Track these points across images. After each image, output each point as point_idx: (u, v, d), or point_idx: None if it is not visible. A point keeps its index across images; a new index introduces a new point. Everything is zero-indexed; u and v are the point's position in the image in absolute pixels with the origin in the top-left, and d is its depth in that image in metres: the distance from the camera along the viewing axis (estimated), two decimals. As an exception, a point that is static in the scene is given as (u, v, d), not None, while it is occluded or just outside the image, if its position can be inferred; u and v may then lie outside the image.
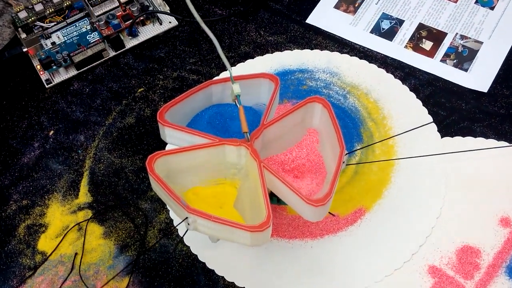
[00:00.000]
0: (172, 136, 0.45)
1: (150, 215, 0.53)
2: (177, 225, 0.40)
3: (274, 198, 0.47)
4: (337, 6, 0.68)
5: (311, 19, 0.67)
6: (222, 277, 0.50)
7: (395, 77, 0.61)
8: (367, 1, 0.68)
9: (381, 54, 0.64)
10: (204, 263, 0.51)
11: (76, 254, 0.51)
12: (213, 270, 0.50)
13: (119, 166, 0.56)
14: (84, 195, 0.55)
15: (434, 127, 0.57)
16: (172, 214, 0.53)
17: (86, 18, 0.65)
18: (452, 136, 0.56)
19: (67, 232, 0.52)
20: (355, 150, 0.53)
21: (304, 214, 0.43)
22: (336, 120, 0.44)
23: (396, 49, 0.64)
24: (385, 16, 0.67)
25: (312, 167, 0.47)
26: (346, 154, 0.44)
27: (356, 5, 0.68)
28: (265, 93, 0.48)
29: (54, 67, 0.62)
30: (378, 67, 0.62)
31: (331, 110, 0.45)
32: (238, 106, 0.44)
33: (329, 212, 0.44)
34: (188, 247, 0.51)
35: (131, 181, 0.55)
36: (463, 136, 0.56)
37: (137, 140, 0.58)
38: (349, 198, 0.53)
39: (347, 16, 0.68)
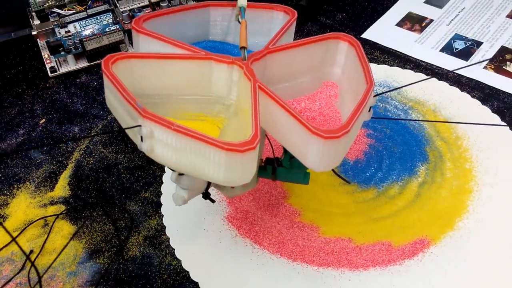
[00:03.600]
0: (148, 49, 0.36)
1: (137, 219, 0.43)
2: (126, 128, 0.30)
3: (268, 167, 0.38)
4: (399, 24, 0.62)
5: (368, 34, 0.61)
6: (219, 304, 0.38)
7: (472, 97, 0.52)
8: (436, 22, 0.62)
9: (454, 73, 0.55)
10: (196, 284, 0.39)
11: (31, 252, 0.41)
12: (208, 294, 0.38)
13: (113, 161, 0.48)
14: (61, 188, 0.46)
15: (526, 151, 0.46)
16: (165, 220, 0.43)
17: (110, 13, 0.61)
18: (551, 163, 0.45)
19: (28, 225, 0.43)
20: (383, 93, 0.41)
21: (308, 155, 0.32)
22: (365, 58, 0.35)
23: (473, 69, 0.56)
24: (458, 37, 0.60)
25: (324, 123, 0.37)
26: (376, 96, 0.34)
27: (423, 25, 0.62)
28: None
29: (62, 53, 0.57)
30: (450, 85, 0.53)
31: (361, 49, 0.36)
32: (241, 20, 0.35)
33: (341, 177, 0.32)
34: (179, 261, 0.40)
35: (123, 179, 0.46)
36: None
37: (141, 137, 0.50)
38: (407, 225, 0.42)
39: (411, 34, 0.61)
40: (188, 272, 0.40)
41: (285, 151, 0.38)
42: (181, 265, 0.40)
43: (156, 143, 0.30)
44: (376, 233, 0.41)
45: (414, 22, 0.63)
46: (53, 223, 0.43)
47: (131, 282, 0.39)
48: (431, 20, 0.63)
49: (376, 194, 0.44)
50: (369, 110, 0.35)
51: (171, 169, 0.32)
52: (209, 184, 0.36)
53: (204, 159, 0.29)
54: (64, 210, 0.44)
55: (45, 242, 0.42)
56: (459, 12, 0.63)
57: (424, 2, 0.65)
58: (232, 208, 0.44)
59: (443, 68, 0.56)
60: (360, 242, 0.41)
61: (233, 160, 0.29)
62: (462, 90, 0.53)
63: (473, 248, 0.40)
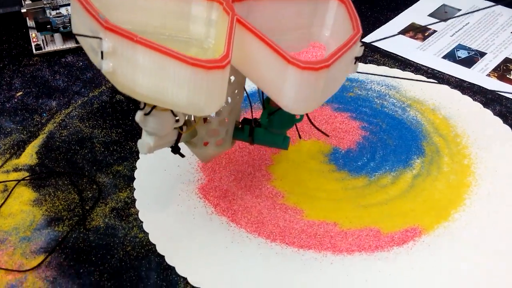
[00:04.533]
0: None
1: (106, 191, 0.40)
2: (80, 35, 0.27)
3: (246, 127, 0.36)
4: (402, 32, 0.62)
5: (369, 39, 0.60)
6: (184, 278, 0.35)
7: (473, 100, 0.51)
8: (439, 32, 0.61)
9: (456, 77, 0.54)
10: (162, 257, 0.36)
11: (-16, 214, 0.38)
12: (174, 267, 0.35)
13: (88, 135, 0.46)
14: (28, 156, 0.43)
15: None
16: (137, 194, 0.40)
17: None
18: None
19: (-15, 188, 0.40)
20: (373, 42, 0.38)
21: (284, 91, 0.29)
22: (355, 13, 0.33)
23: (476, 76, 0.55)
24: (462, 47, 0.59)
25: None
26: (362, 46, 0.32)
27: (426, 34, 0.61)
28: None
29: (49, 31, 0.56)
30: (451, 88, 0.52)
31: (351, 4, 0.34)
32: None
33: (319, 130, 0.30)
34: (146, 234, 0.37)
35: (96, 152, 0.44)
36: None
37: (122, 115, 0.48)
38: (398, 213, 0.39)
39: (414, 41, 0.60)
40: (154, 245, 0.36)
41: (264, 107, 0.36)
42: (148, 238, 0.37)
43: (118, 60, 0.28)
44: (364, 220, 0.38)
45: (417, 32, 0.62)
46: (13, 188, 0.40)
47: (90, 251, 0.36)
48: (435, 31, 0.62)
49: (367, 183, 0.42)
50: (355, 63, 0.33)
51: (135, 99, 0.30)
52: (179, 136, 0.34)
53: (167, 78, 0.27)
54: (26, 177, 0.41)
55: (1, 206, 0.39)
56: (464, 26, 0.63)
57: (428, 15, 0.65)
58: (210, 186, 0.41)
59: (444, 73, 0.55)
60: (346, 227, 0.38)
61: (198, 79, 0.27)
62: (463, 94, 0.52)
63: (468, 240, 0.37)
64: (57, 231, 0.38)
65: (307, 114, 0.36)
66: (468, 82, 0.54)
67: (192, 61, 0.27)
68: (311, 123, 0.37)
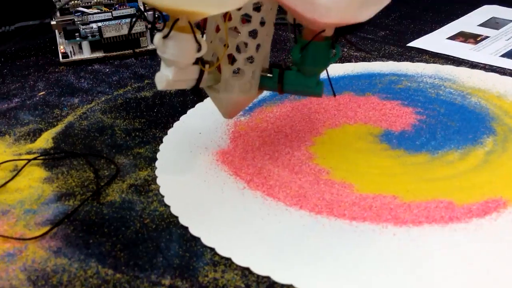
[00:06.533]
0: None
1: (125, 170, 0.35)
2: None
3: (275, 71, 0.32)
4: (452, 38, 0.57)
5: (415, 43, 0.56)
6: (212, 249, 0.28)
7: (544, 89, 0.45)
8: (492, 38, 0.56)
9: (520, 72, 0.49)
10: (186, 229, 0.30)
11: (-13, 188, 0.33)
12: (199, 238, 0.29)
13: (109, 124, 0.42)
14: (43, 141, 0.39)
15: None
16: (158, 172, 0.35)
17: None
18: None
19: (-8, 166, 0.36)
20: None
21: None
22: None
23: (542, 69, 0.49)
24: (521, 47, 0.54)
25: None
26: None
27: (478, 39, 0.57)
28: None
29: (78, 38, 0.54)
30: (515, 79, 0.46)
31: None
32: None
33: (358, 47, 0.29)
34: (168, 207, 0.32)
35: (117, 137, 0.39)
36: None
37: (147, 108, 0.44)
38: (472, 186, 0.32)
39: (466, 44, 0.56)
40: (176, 217, 0.31)
41: (296, 41, 0.31)
42: (169, 211, 0.31)
43: None
44: (430, 192, 0.32)
45: (468, 37, 0.57)
46: (23, 167, 0.36)
47: (102, 224, 0.31)
48: (487, 37, 0.57)
49: (429, 159, 0.35)
50: None
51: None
52: (201, 75, 0.29)
53: None
54: (39, 156, 0.37)
55: (8, 181, 0.34)
56: (519, 32, 0.58)
57: (478, 25, 0.61)
58: (242, 164, 0.35)
59: (505, 68, 0.49)
60: (408, 199, 0.31)
61: None
62: (531, 84, 0.46)
63: None
64: (67, 205, 0.32)
65: (347, 38, 0.31)
66: (534, 74, 0.48)
67: None
68: (349, 42, 0.32)
